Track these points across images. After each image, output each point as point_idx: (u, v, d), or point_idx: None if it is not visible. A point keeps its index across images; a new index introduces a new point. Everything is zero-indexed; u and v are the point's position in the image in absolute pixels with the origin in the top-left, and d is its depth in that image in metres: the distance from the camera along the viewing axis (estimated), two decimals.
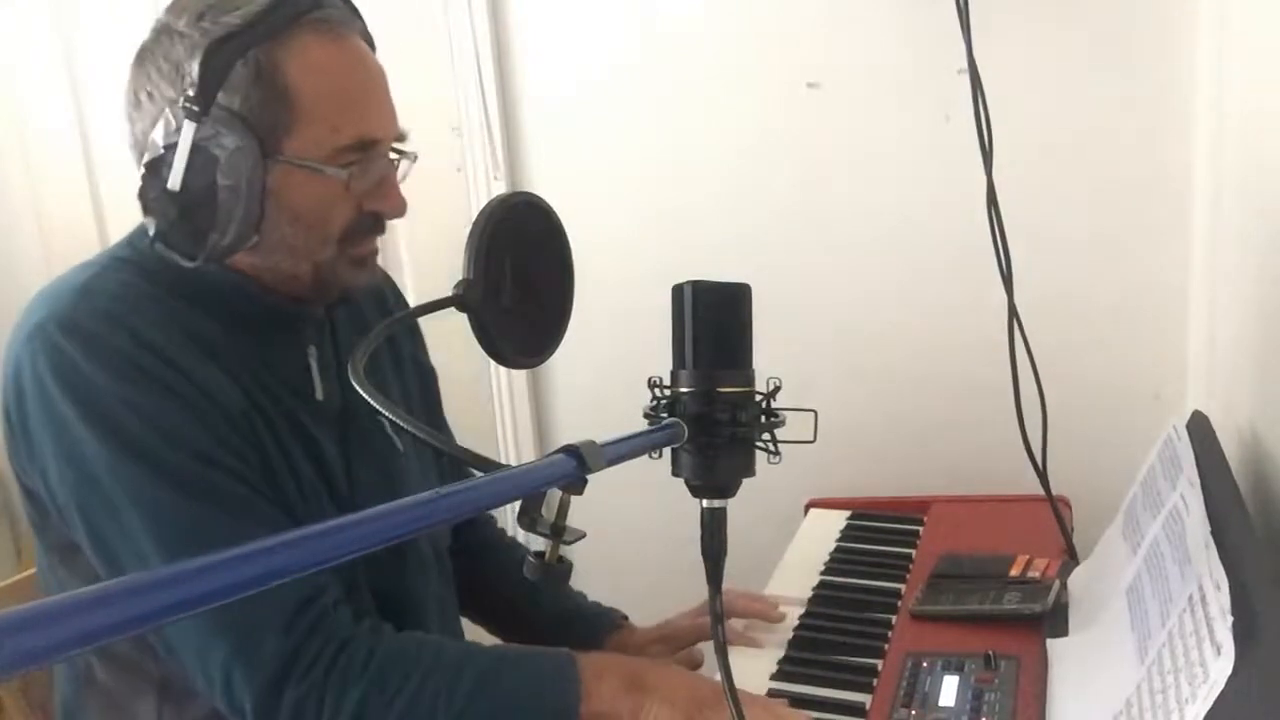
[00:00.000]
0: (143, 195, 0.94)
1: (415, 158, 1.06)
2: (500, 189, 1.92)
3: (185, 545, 0.92)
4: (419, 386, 1.24)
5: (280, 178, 0.96)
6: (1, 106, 2.25)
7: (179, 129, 0.91)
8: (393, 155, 1.04)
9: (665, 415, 0.75)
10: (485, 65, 1.89)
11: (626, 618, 1.31)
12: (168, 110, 0.93)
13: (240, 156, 0.92)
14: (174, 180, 0.92)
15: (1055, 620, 1.16)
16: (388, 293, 1.25)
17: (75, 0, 2.19)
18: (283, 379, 1.04)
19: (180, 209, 0.92)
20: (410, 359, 1.24)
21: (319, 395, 1.07)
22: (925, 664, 1.11)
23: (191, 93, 0.91)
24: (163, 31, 0.96)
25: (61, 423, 0.94)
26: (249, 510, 0.96)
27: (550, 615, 1.28)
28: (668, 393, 0.76)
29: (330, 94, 0.97)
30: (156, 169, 0.93)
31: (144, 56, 0.97)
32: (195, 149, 0.91)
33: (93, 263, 1.03)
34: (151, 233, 0.94)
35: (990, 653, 1.09)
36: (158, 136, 0.93)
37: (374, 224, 1.04)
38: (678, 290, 0.77)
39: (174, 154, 0.91)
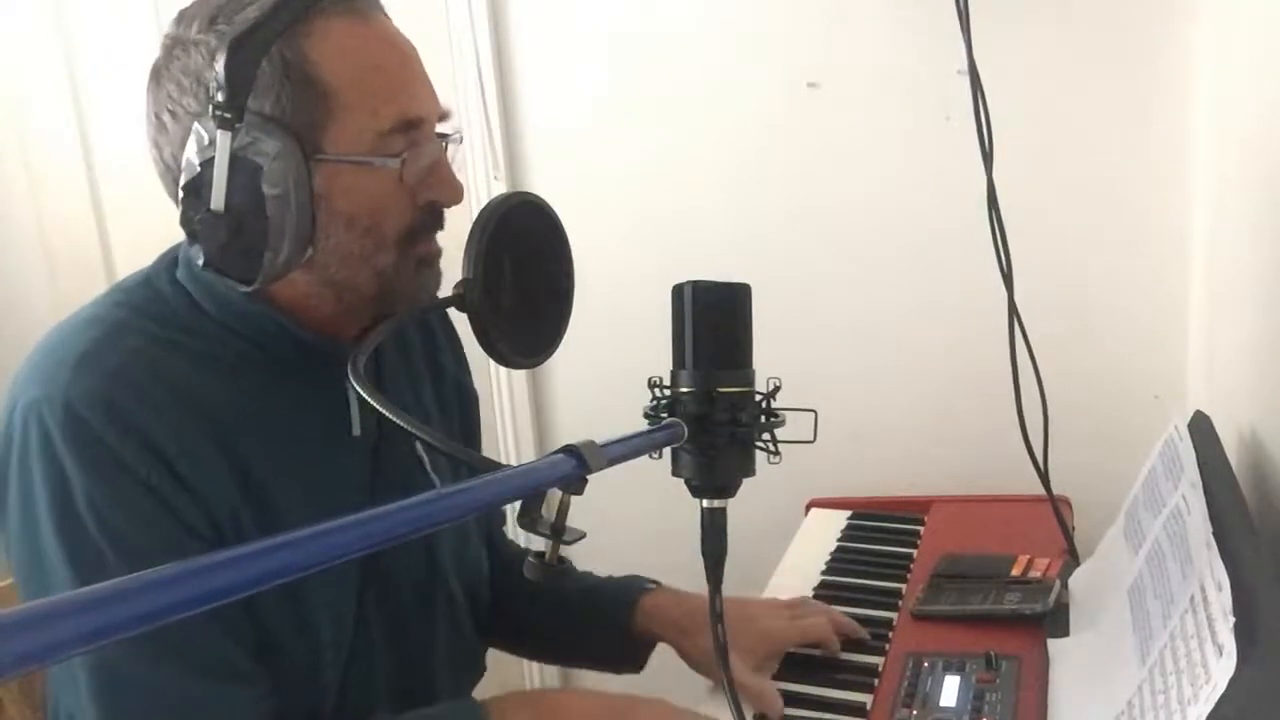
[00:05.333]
0: (185, 221, 0.87)
1: (460, 139, 0.98)
2: (500, 189, 1.92)
3: (114, 655, 0.87)
4: (459, 411, 1.19)
5: (328, 179, 0.88)
6: (1, 106, 2.25)
7: (213, 142, 0.83)
8: (437, 137, 0.97)
9: (665, 415, 0.75)
10: (485, 65, 1.89)
11: (657, 582, 1.25)
12: (196, 125, 0.85)
13: (283, 161, 0.84)
14: (217, 199, 0.84)
15: (1056, 620, 1.16)
16: (435, 324, 1.18)
17: (75, 1, 2.19)
18: (313, 420, 0.97)
19: (229, 229, 0.85)
20: (453, 383, 1.18)
21: (355, 430, 1.00)
22: (926, 664, 1.11)
23: (221, 99, 0.82)
24: (174, 45, 0.90)
25: (32, 501, 0.88)
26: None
27: (574, 594, 1.23)
28: (668, 393, 0.76)
29: (364, 76, 0.90)
30: (195, 190, 0.85)
31: (159, 75, 0.91)
32: (234, 160, 0.83)
33: (101, 316, 0.94)
34: (201, 261, 0.87)
35: (991, 653, 1.09)
36: (191, 155, 0.85)
37: (433, 218, 0.96)
38: (677, 290, 0.77)
39: (212, 170, 0.84)
